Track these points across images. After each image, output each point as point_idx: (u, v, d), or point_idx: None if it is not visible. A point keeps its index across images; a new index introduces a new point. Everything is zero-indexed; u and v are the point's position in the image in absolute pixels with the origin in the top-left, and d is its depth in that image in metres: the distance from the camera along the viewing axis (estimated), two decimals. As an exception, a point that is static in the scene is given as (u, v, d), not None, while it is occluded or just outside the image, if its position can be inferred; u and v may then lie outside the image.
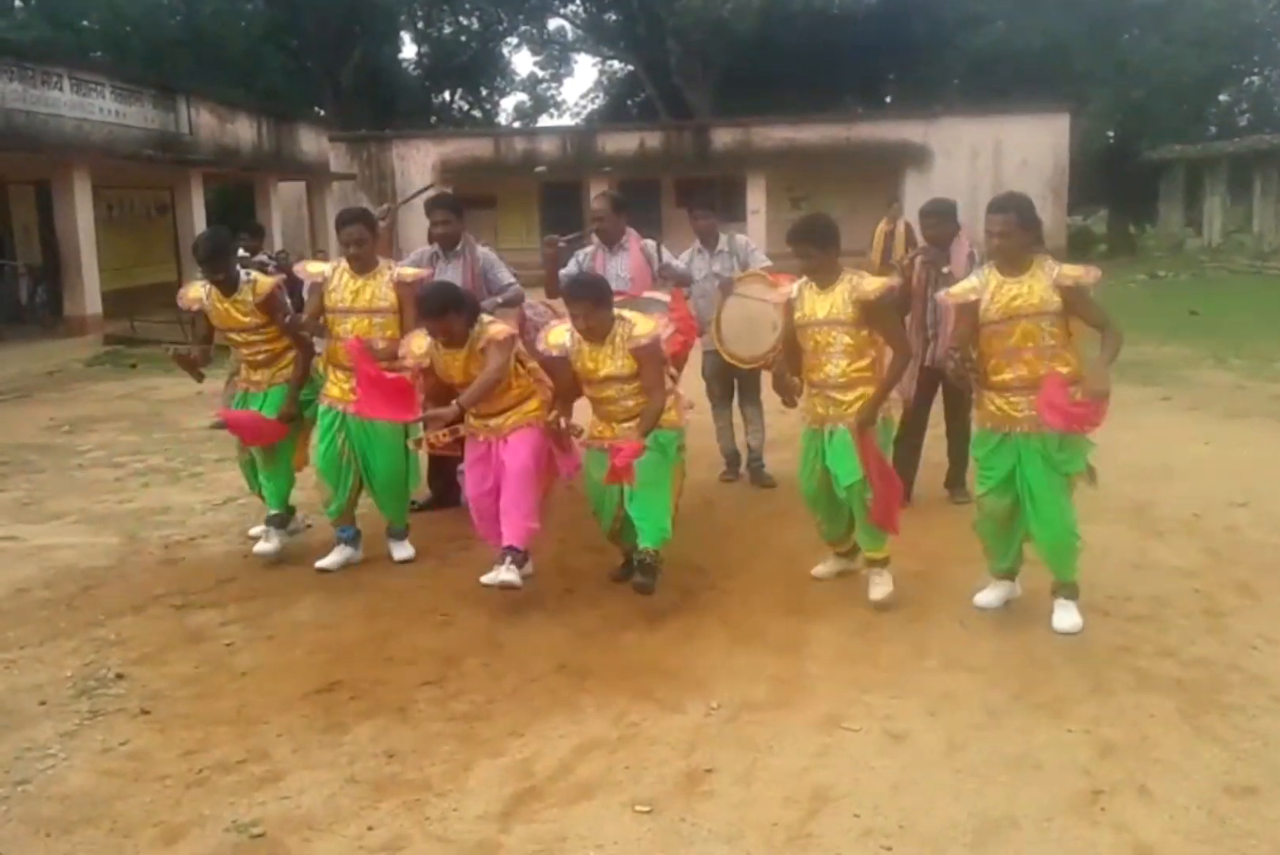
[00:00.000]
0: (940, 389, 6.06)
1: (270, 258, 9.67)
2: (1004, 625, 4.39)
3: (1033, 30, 28.48)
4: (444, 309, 4.66)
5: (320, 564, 5.33)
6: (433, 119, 40.50)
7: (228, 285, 5.33)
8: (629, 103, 41.80)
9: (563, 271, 6.14)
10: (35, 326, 15.87)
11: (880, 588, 4.64)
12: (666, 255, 6.16)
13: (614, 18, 38.64)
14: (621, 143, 27.37)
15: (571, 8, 40.14)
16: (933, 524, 5.66)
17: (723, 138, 27.06)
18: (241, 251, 9.43)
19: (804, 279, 4.67)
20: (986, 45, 29.31)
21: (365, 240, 5.24)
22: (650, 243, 6.17)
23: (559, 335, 4.77)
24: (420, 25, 40.32)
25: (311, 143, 25.34)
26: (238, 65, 31.72)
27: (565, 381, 4.85)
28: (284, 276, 5.76)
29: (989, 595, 4.61)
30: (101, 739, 3.69)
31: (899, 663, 4.08)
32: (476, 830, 3.09)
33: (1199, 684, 3.87)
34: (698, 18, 30.49)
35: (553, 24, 41.92)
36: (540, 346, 4.83)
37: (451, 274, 6.08)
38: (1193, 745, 3.44)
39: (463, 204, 6.48)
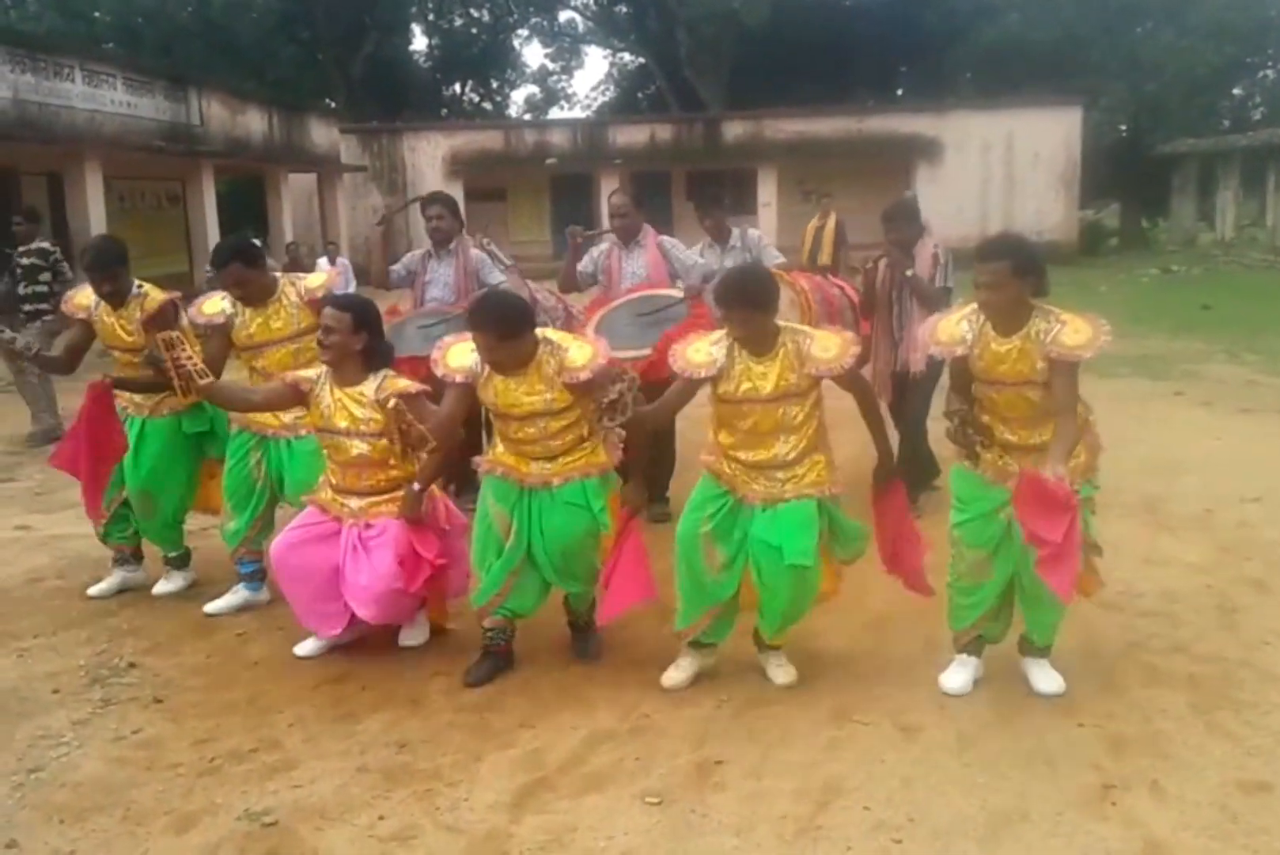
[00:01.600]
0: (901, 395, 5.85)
1: (53, 246, 8.44)
2: (1016, 621, 4.38)
3: (1046, 23, 28.39)
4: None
5: (209, 608, 4.71)
6: (443, 111, 40.54)
7: (116, 298, 4.72)
8: (639, 95, 41.80)
9: (579, 267, 6.14)
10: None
11: (785, 671, 3.92)
12: (685, 255, 6.02)
13: (625, 10, 38.58)
14: (632, 135, 27.35)
15: (582, 0, 40.09)
16: (943, 517, 5.64)
17: (734, 130, 27.03)
18: (51, 245, 8.30)
19: (729, 342, 3.72)
20: (999, 37, 29.22)
21: (247, 279, 4.58)
22: (667, 239, 6.10)
23: (462, 356, 3.88)
24: (431, 17, 40.31)
25: (322, 134, 25.34)
26: (249, 56, 31.79)
27: (455, 415, 3.96)
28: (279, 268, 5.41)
29: (956, 676, 3.83)
30: (114, 727, 3.70)
31: (910, 656, 4.08)
32: (487, 820, 3.10)
33: (1211, 680, 3.86)
34: (709, 10, 30.46)
35: (563, 16, 41.96)
36: (439, 370, 3.93)
37: (444, 272, 6.08)
38: (1204, 741, 3.44)
39: (458, 200, 6.45)
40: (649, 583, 3.86)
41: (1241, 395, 9.03)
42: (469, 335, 3.83)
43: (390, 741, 3.56)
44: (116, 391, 4.77)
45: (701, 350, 3.74)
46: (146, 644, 4.42)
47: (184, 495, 4.92)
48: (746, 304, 3.61)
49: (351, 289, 15.16)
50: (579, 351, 3.82)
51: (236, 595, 4.76)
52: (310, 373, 4.22)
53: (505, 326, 3.71)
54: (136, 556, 5.05)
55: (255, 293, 4.61)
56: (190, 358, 3.98)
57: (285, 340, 4.65)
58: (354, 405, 4.06)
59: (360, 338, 4.04)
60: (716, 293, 3.77)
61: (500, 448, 4.02)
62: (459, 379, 3.88)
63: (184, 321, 4.83)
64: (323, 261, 15.59)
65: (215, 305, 4.71)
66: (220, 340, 4.68)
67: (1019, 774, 3.27)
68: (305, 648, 4.26)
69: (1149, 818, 3.04)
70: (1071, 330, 3.46)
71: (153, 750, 3.55)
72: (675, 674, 3.92)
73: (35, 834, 3.08)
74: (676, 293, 5.85)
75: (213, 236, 19.33)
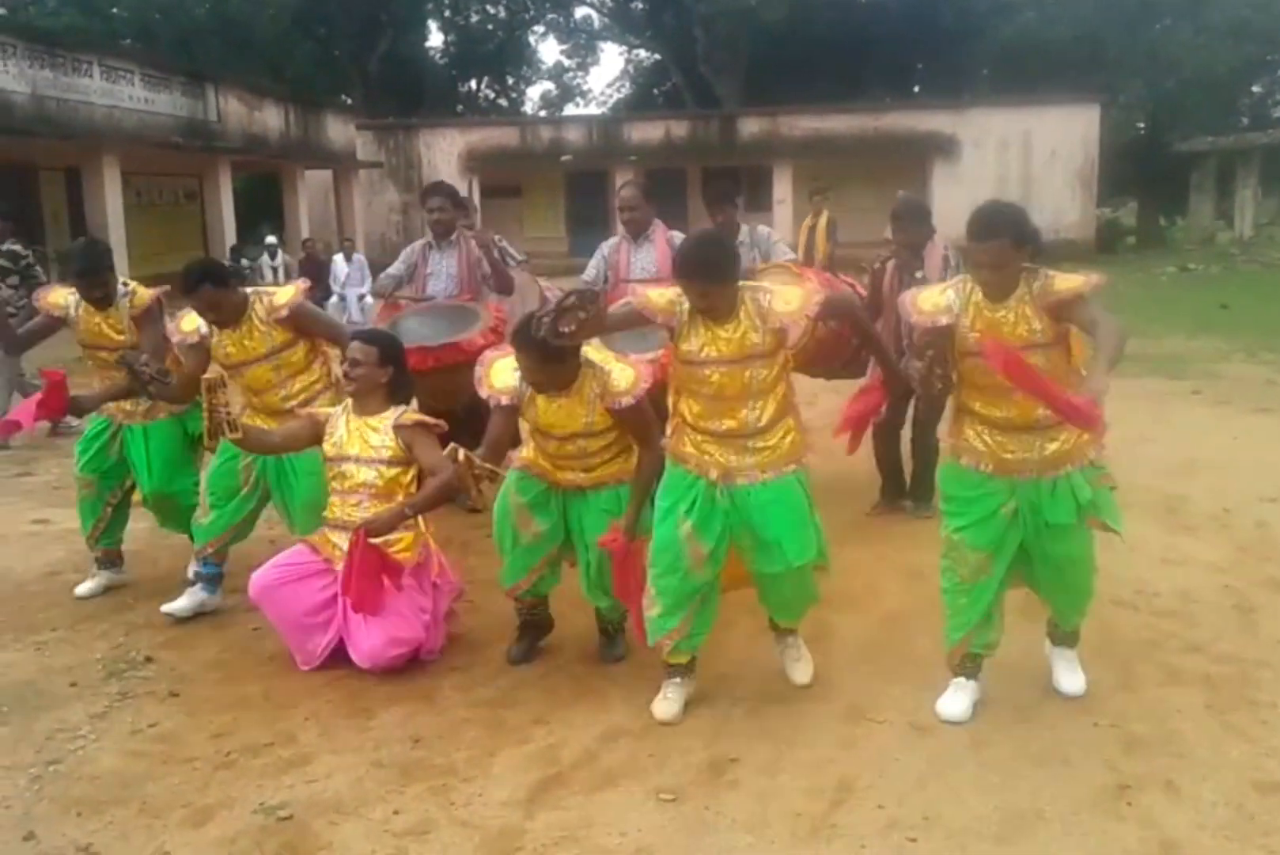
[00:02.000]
0: (913, 399, 5.46)
1: (25, 246, 8.23)
2: (1031, 617, 4.37)
3: (1063, 19, 28.28)
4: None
5: (166, 608, 4.58)
6: (459, 107, 40.62)
7: (105, 301, 4.73)
8: (655, 92, 41.79)
9: (585, 278, 5.96)
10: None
11: (803, 667, 3.86)
12: None
13: (641, 6, 38.56)
14: (647, 132, 27.33)
15: (598, -4, 40.10)
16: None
17: (749, 127, 26.99)
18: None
19: (687, 305, 3.50)
20: (1016, 34, 29.11)
21: (219, 300, 4.41)
22: (678, 234, 5.92)
23: (505, 376, 3.85)
24: (447, 13, 40.42)
25: (339, 131, 25.44)
26: (266, 53, 31.92)
27: (503, 432, 3.90)
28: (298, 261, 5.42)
29: (954, 702, 3.61)
30: (131, 721, 3.73)
31: (924, 654, 4.05)
32: (501, 815, 3.11)
33: (1228, 680, 3.84)
34: (725, 6, 30.40)
35: (579, 12, 42.02)
36: (483, 391, 3.91)
37: (446, 263, 6.03)
38: (1221, 741, 3.42)
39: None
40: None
41: (1260, 395, 8.98)
42: (509, 350, 3.80)
43: (405, 736, 3.57)
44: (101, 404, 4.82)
45: (665, 296, 3.54)
46: (163, 638, 4.44)
47: (198, 487, 4.92)
48: (705, 276, 3.37)
49: (368, 285, 15.20)
50: (622, 375, 3.73)
51: (193, 597, 4.64)
52: (327, 409, 4.29)
53: (552, 349, 3.55)
54: (121, 558, 5.08)
55: (229, 314, 4.48)
56: (227, 405, 3.96)
57: (263, 358, 4.55)
58: (370, 432, 4.10)
59: (386, 371, 4.12)
60: (674, 264, 3.50)
61: (533, 452, 3.98)
62: (504, 401, 3.83)
63: (166, 321, 4.83)
64: (339, 258, 15.62)
65: (191, 323, 4.59)
66: (198, 356, 4.59)
67: (1034, 773, 3.26)
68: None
69: (1165, 818, 3.02)
70: (1061, 279, 3.38)
71: (169, 744, 3.57)
72: (667, 706, 3.68)
73: (53, 826, 3.10)
74: None
75: (230, 232, 19.44)
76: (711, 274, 3.38)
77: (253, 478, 4.62)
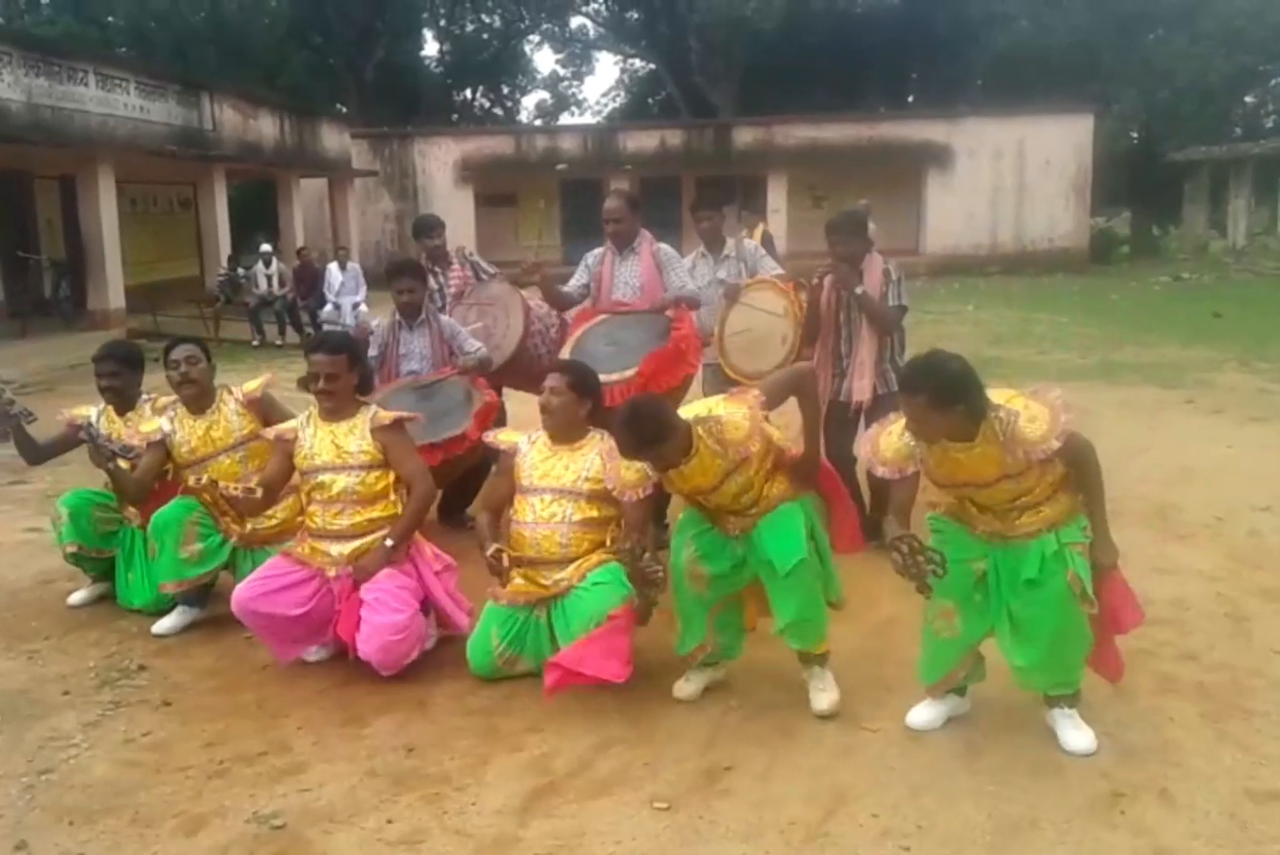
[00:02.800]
0: (862, 421, 5.22)
1: None
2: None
3: (1057, 29, 28.44)
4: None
5: (157, 629, 4.56)
6: (454, 116, 40.66)
7: (115, 399, 4.85)
8: (650, 101, 41.88)
9: (569, 286, 5.81)
10: (59, 320, 15.98)
11: (827, 694, 3.71)
12: (677, 275, 5.62)
13: (636, 16, 38.66)
14: (642, 141, 27.35)
15: (593, 6, 40.24)
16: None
17: (744, 136, 27.02)
18: None
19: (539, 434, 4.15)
20: (1010, 44, 29.28)
21: (196, 378, 4.61)
22: (664, 247, 5.71)
23: (513, 436, 4.28)
24: (442, 23, 40.48)
25: (334, 139, 25.43)
26: (261, 61, 31.90)
27: (500, 491, 4.27)
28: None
29: (924, 713, 3.62)
30: (124, 730, 3.72)
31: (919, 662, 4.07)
32: (495, 824, 3.11)
33: (1221, 688, 3.85)
34: (720, 16, 30.49)
35: (574, 22, 42.13)
36: (489, 438, 4.34)
37: (418, 344, 5.67)
38: (1214, 750, 3.43)
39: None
40: (626, 661, 3.78)
41: (1253, 404, 9.01)
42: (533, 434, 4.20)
43: (398, 745, 3.57)
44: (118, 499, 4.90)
45: (632, 467, 3.78)
46: (156, 647, 4.44)
47: None
48: (648, 450, 3.51)
49: (362, 294, 15.22)
50: (629, 472, 3.83)
51: (182, 615, 4.63)
52: (290, 423, 4.28)
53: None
54: (109, 574, 5.03)
55: (201, 394, 4.65)
56: (229, 486, 4.08)
57: (230, 448, 4.65)
58: (343, 437, 4.10)
59: (356, 373, 4.20)
60: (618, 446, 3.61)
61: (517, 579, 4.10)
62: (503, 448, 4.22)
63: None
64: (333, 266, 15.61)
65: (152, 424, 4.69)
66: (156, 454, 4.65)
67: (1028, 782, 3.26)
68: (312, 653, 4.27)
69: (1158, 826, 3.03)
70: (1027, 419, 3.19)
71: (162, 753, 3.56)
72: (685, 686, 3.90)
73: (45, 835, 3.09)
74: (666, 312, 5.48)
75: (224, 240, 19.43)
76: (652, 446, 3.48)
77: (198, 547, 4.57)
